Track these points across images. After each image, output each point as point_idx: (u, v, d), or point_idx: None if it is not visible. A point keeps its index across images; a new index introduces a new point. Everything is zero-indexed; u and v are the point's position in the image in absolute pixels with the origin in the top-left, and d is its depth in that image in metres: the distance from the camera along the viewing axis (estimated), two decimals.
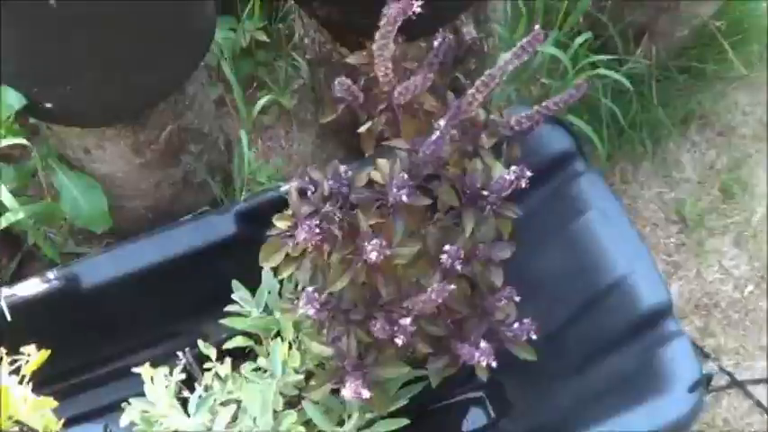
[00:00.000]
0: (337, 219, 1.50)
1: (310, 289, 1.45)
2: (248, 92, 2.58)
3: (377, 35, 1.48)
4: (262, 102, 2.28)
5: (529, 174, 1.52)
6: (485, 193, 1.54)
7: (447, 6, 1.88)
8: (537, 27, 1.50)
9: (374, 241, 1.41)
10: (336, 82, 1.56)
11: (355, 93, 1.58)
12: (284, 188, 1.65)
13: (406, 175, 1.47)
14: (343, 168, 1.53)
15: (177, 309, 2.02)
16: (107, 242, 2.37)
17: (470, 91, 1.59)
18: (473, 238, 1.58)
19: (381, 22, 1.45)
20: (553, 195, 2.06)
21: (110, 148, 2.02)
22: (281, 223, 1.55)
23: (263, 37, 2.54)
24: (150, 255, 1.95)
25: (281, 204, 1.59)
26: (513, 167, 1.52)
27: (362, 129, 1.67)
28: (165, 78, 1.92)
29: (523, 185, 1.52)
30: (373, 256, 1.41)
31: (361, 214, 1.50)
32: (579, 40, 2.23)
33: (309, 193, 1.51)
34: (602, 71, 2.19)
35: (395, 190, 1.45)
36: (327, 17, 1.92)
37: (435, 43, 1.59)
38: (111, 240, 2.35)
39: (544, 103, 1.64)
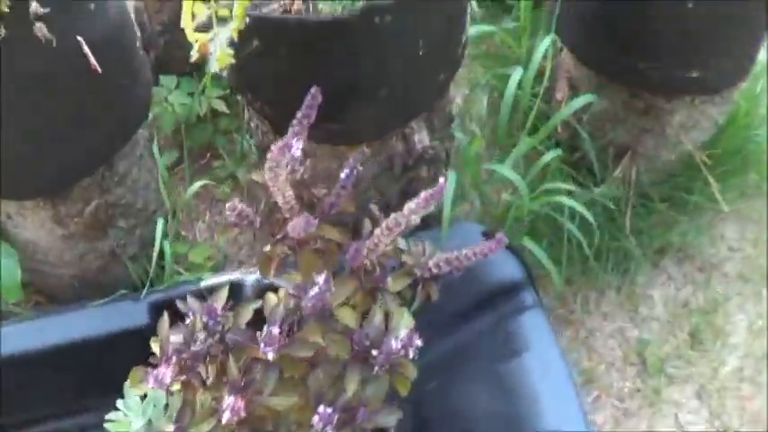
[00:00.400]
0: (208, 358, 1.34)
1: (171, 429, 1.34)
2: (201, 162, 2.36)
3: (266, 164, 1.27)
4: (197, 185, 2.04)
5: (418, 343, 1.38)
6: (374, 353, 1.33)
7: (382, 119, 1.65)
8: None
9: (230, 399, 1.27)
10: (227, 206, 1.35)
11: (249, 218, 1.36)
12: (204, 283, 1.66)
13: (276, 331, 1.27)
14: (220, 305, 1.38)
15: (86, 385, 1.92)
16: (36, 301, 2.24)
17: (376, 232, 1.39)
18: (358, 396, 1.37)
19: (268, 154, 1.25)
20: (493, 327, 1.91)
21: (30, 217, 1.89)
22: (155, 346, 1.44)
23: (222, 107, 2.34)
24: (57, 334, 1.87)
25: (200, 298, 1.48)
26: (402, 333, 1.32)
27: (261, 254, 1.47)
28: (90, 154, 1.79)
29: (411, 354, 1.37)
30: (225, 417, 1.27)
31: (232, 359, 1.34)
32: (548, 156, 1.98)
33: (187, 319, 1.37)
34: (565, 200, 1.94)
35: (263, 345, 1.29)
36: (262, 111, 1.71)
37: (342, 174, 1.38)
38: (39, 300, 2.24)
39: (464, 252, 1.42)
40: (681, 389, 2.21)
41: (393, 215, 1.35)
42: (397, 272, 1.52)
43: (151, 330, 1.72)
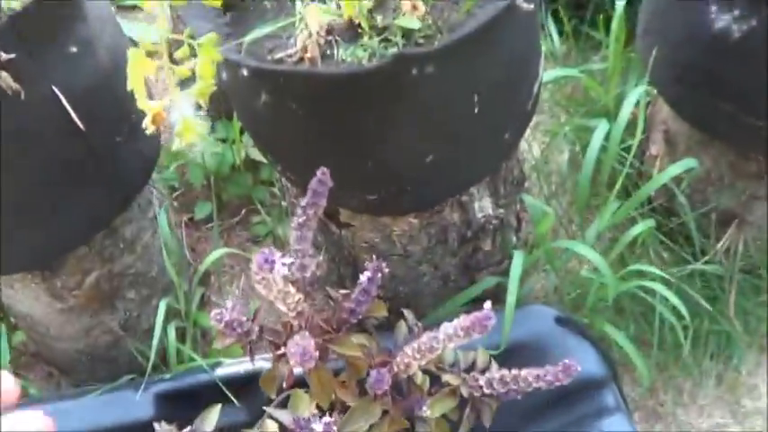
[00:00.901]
0: None
1: None
2: (235, 219, 2.07)
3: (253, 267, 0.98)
4: (216, 254, 1.74)
5: None
6: None
7: (430, 188, 1.35)
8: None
9: None
10: (213, 314, 1.06)
11: (242, 327, 1.07)
12: (221, 372, 1.46)
13: None
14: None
15: None
16: (48, 372, 2.01)
17: (407, 350, 1.09)
18: None
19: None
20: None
21: (21, 291, 1.65)
22: None
23: (260, 155, 2.01)
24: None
25: (213, 391, 1.37)
26: None
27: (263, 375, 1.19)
28: (80, 222, 1.53)
29: None
30: None
31: None
32: (639, 228, 1.65)
33: None
34: (657, 287, 1.61)
35: None
36: (284, 174, 1.42)
37: (363, 277, 1.07)
38: (51, 371, 2.00)
39: (525, 373, 1.12)
40: None
41: (427, 336, 1.04)
42: (439, 392, 1.21)
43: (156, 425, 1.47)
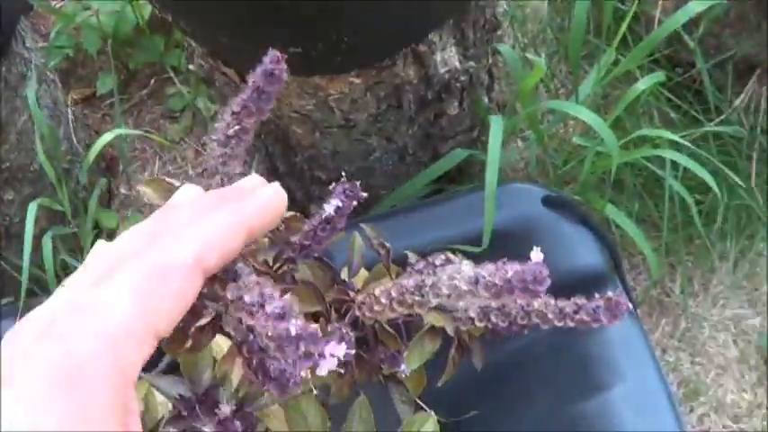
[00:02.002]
0: None
1: None
2: (147, 89, 1.69)
3: None
4: (107, 137, 1.36)
5: None
6: None
7: (376, 37, 0.98)
8: None
9: None
10: None
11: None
12: None
13: None
14: None
15: None
16: None
17: (378, 294, 0.70)
18: None
19: None
20: (564, 339, 1.26)
21: None
22: None
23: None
24: None
25: None
26: None
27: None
28: None
29: None
30: None
31: None
32: (645, 83, 1.28)
33: None
34: (668, 154, 1.24)
35: None
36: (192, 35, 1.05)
37: (329, 207, 0.68)
38: None
39: (557, 317, 0.74)
40: None
41: (415, 279, 0.66)
42: (415, 336, 0.83)
43: None
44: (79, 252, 1.51)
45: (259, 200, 0.49)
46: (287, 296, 0.54)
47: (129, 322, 0.40)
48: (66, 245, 1.52)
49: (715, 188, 1.29)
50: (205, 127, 1.73)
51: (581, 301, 0.68)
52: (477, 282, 0.57)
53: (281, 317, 0.51)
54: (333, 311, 0.75)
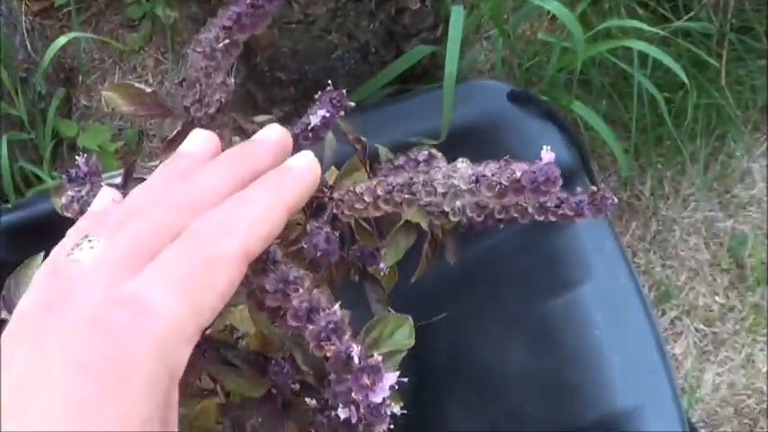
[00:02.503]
0: None
1: None
2: None
3: None
4: (61, 41, 1.31)
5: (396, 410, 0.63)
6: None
7: None
8: None
9: None
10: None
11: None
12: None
13: None
14: None
15: None
16: None
17: (360, 191, 0.66)
18: None
19: None
20: (532, 238, 1.24)
21: None
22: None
23: None
24: None
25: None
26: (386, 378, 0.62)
27: None
28: None
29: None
30: None
31: None
32: None
33: None
34: (636, 44, 1.21)
35: None
36: None
37: (314, 118, 0.64)
38: None
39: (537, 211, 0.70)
40: None
41: (403, 176, 0.61)
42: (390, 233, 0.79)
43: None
44: (38, 161, 1.47)
45: (297, 176, 0.48)
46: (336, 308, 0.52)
47: (178, 323, 0.39)
48: (26, 155, 1.48)
49: (685, 79, 1.25)
50: (164, 35, 1.68)
51: (563, 194, 0.65)
52: (477, 181, 0.53)
53: (335, 332, 0.49)
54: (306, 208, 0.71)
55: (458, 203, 0.68)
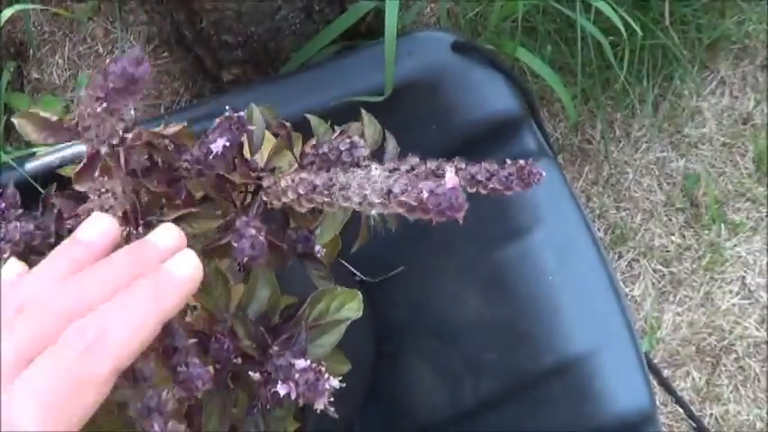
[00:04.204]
0: None
1: None
2: None
3: None
4: (7, 13, 1.29)
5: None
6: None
7: None
8: None
9: None
10: None
11: None
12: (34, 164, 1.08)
13: None
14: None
15: None
16: None
17: (293, 182, 0.66)
18: None
19: None
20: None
21: None
22: None
23: None
24: None
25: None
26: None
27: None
28: None
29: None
30: None
31: None
32: None
33: None
34: None
35: None
36: None
37: None
38: None
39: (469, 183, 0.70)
40: (748, 241, 1.57)
41: (309, 180, 0.61)
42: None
43: None
44: None
45: (178, 285, 0.47)
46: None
47: None
48: None
49: (620, 25, 1.25)
50: (112, 4, 1.66)
51: (492, 167, 0.64)
52: (389, 194, 0.53)
53: None
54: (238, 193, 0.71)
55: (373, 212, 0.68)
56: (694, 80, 1.60)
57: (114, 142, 0.58)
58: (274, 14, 1.32)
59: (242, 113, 0.61)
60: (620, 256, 1.54)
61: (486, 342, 1.21)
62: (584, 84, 1.50)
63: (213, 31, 1.36)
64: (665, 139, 1.60)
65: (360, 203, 0.55)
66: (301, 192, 0.58)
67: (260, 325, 0.67)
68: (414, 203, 0.52)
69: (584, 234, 1.18)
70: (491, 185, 0.60)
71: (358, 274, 1.24)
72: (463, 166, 0.62)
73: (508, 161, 0.59)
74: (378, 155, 0.69)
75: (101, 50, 1.67)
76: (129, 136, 0.58)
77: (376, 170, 0.57)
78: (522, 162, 0.58)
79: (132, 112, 0.59)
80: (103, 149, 0.58)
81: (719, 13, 1.60)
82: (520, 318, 1.18)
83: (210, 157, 0.61)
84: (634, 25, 1.30)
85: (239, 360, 0.65)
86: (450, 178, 0.54)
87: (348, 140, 0.64)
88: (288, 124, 0.71)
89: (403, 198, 0.52)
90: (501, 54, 1.34)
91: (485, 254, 1.22)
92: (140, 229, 0.57)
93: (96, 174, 0.58)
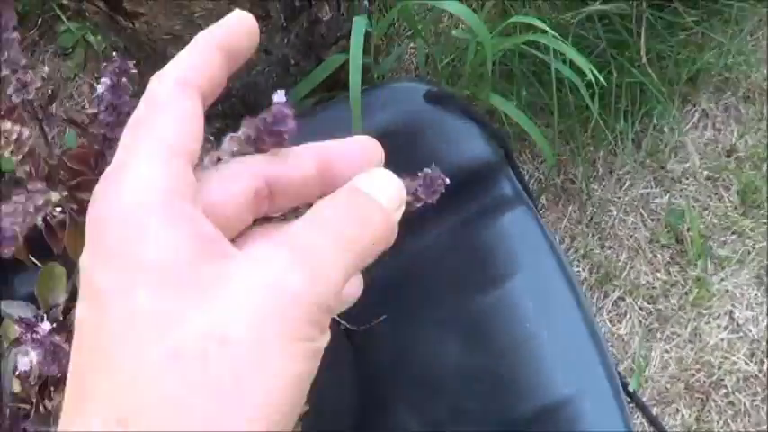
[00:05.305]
0: None
1: None
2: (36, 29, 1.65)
3: None
4: None
5: None
6: None
7: None
8: None
9: None
10: None
11: None
12: None
13: None
14: None
15: None
16: None
17: None
18: None
19: None
20: (460, 238, 1.27)
21: None
22: None
23: None
24: None
25: None
26: None
27: None
28: None
29: None
30: None
31: None
32: None
33: None
34: (543, 39, 1.22)
35: None
36: None
37: (100, 87, 0.67)
38: None
39: None
40: (735, 274, 1.58)
41: None
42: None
43: None
44: None
45: (220, 23, 0.42)
46: None
47: (148, 151, 0.37)
48: None
49: (586, 70, 1.26)
50: (98, 60, 1.69)
51: (405, 181, 0.66)
52: None
53: None
54: None
55: None
56: (674, 116, 1.61)
57: None
58: (250, 69, 1.33)
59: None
60: (606, 295, 1.55)
61: (468, 390, 1.22)
62: (563, 124, 1.52)
63: None
64: (649, 176, 1.61)
65: None
66: None
67: None
68: None
69: (560, 278, 1.20)
70: None
71: (342, 322, 1.25)
72: None
73: (419, 174, 0.61)
74: None
75: (87, 106, 1.69)
76: None
77: None
78: (428, 171, 0.60)
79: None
80: None
81: (698, 48, 1.61)
82: (500, 366, 1.19)
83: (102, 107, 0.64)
84: (601, 79, 1.31)
85: None
86: None
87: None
88: (212, 139, 0.73)
89: None
90: (475, 101, 1.36)
91: (464, 302, 1.23)
92: None
93: None
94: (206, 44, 0.41)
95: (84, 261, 0.35)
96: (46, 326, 0.64)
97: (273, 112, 0.43)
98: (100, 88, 0.70)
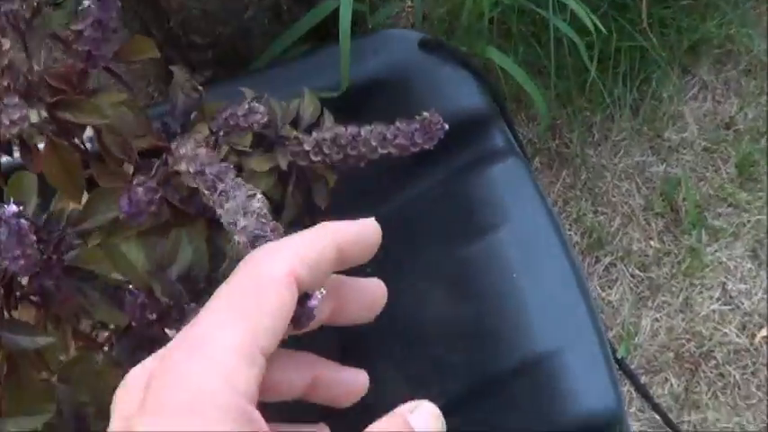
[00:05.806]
0: None
1: None
2: None
3: None
4: None
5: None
6: None
7: None
8: None
9: None
10: None
11: None
12: None
13: None
14: None
15: None
16: None
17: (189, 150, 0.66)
18: None
19: None
20: (448, 187, 1.23)
21: None
22: None
23: None
24: None
25: None
26: None
27: None
28: None
29: None
30: None
31: None
32: None
33: None
34: None
35: None
36: None
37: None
38: None
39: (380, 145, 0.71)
40: (729, 247, 1.56)
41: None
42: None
43: None
44: None
45: (352, 224, 0.44)
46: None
47: (235, 344, 0.38)
48: None
49: (590, 25, 1.25)
50: None
51: (402, 124, 0.65)
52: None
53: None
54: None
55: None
56: (674, 84, 1.60)
57: None
58: (241, 14, 1.32)
59: None
60: (598, 261, 1.53)
61: (452, 343, 1.20)
62: (560, 86, 1.50)
63: (181, 31, 1.37)
64: (645, 144, 1.59)
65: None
66: (191, 170, 0.58)
67: (181, 285, 0.66)
68: None
69: (551, 231, 1.18)
70: (397, 142, 0.60)
71: None
72: (375, 128, 0.62)
73: (417, 117, 0.59)
74: None
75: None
76: None
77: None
78: (426, 115, 0.58)
79: None
80: None
81: (700, 16, 1.60)
82: (485, 316, 1.17)
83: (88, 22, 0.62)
84: (602, 27, 1.29)
85: (154, 316, 0.64)
86: None
87: (246, 105, 0.64)
88: (200, 88, 0.71)
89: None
90: (470, 53, 1.34)
91: (450, 252, 1.21)
92: None
93: None
94: (331, 241, 0.41)
95: (130, 407, 0.37)
96: (12, 208, 0.62)
97: None
98: (86, 2, 0.68)
